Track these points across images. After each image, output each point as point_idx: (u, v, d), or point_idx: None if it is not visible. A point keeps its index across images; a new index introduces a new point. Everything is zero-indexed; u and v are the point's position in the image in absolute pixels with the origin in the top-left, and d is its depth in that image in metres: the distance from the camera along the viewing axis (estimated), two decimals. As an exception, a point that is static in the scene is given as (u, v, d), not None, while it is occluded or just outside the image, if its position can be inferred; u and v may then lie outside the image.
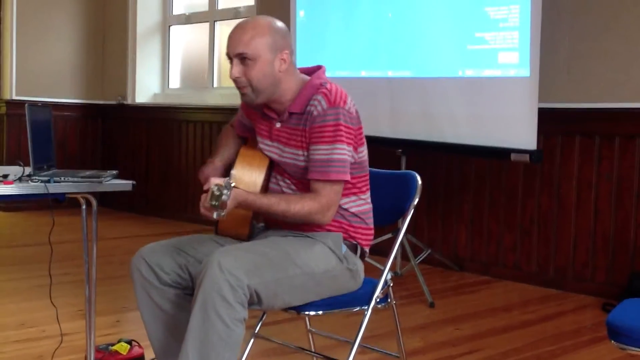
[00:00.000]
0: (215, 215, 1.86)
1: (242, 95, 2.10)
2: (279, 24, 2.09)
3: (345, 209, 2.11)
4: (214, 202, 1.84)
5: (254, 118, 2.23)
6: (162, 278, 2.05)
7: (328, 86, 2.07)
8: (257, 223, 2.21)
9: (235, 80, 2.07)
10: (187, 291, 2.07)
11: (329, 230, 2.10)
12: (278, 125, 2.12)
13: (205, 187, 1.98)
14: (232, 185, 1.86)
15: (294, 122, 2.08)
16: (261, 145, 2.16)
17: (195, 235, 2.20)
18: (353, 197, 2.12)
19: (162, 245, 2.10)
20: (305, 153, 2.06)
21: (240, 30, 2.04)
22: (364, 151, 2.12)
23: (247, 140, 2.30)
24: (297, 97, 2.08)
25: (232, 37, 2.05)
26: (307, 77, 2.12)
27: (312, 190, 2.03)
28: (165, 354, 2.11)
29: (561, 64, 4.17)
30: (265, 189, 2.15)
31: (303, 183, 2.10)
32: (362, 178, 2.14)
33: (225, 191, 1.83)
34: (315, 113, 2.02)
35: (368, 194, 2.18)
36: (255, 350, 2.50)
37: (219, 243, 2.12)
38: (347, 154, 2.03)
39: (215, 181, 1.87)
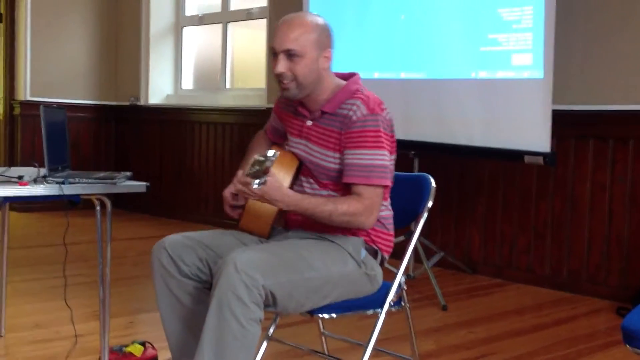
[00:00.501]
0: (255, 185, 1.85)
1: (285, 90, 2.11)
2: (324, 21, 2.14)
3: None
4: (256, 168, 1.84)
5: (285, 117, 2.25)
6: (182, 269, 2.06)
7: (366, 92, 2.11)
8: (277, 226, 2.21)
9: (280, 75, 2.08)
10: (206, 285, 2.08)
11: (352, 235, 2.10)
12: (309, 123, 2.15)
13: (225, 206, 2.06)
14: (277, 154, 1.86)
15: (325, 122, 2.10)
16: (290, 143, 2.18)
17: (218, 230, 2.20)
18: None
19: (185, 236, 2.11)
20: (337, 155, 2.07)
21: (288, 27, 2.06)
22: (394, 159, 2.15)
23: (275, 145, 2.30)
24: (333, 97, 2.11)
25: (280, 33, 2.07)
26: (343, 81, 2.16)
27: (354, 193, 2.04)
28: (181, 350, 2.11)
29: (575, 66, 4.15)
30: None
31: (326, 185, 2.11)
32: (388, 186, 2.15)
33: (270, 157, 1.83)
34: (354, 118, 2.04)
35: (389, 200, 2.19)
36: (269, 352, 2.50)
37: (240, 240, 2.12)
38: (387, 160, 2.06)
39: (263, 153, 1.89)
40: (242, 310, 1.82)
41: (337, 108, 2.09)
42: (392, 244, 2.20)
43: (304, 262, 1.98)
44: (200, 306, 2.05)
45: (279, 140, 2.32)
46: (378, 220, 2.13)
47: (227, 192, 2.16)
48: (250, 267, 1.85)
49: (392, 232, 2.19)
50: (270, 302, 1.90)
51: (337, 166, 2.08)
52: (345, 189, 2.09)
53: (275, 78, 2.11)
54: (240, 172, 1.96)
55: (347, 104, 2.07)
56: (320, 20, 2.12)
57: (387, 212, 2.18)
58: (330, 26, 2.16)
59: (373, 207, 2.04)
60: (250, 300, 1.83)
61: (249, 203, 2.11)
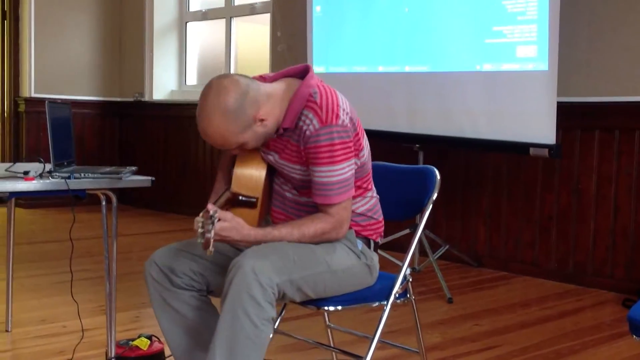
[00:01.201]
0: (206, 252, 1.84)
1: None
2: (231, 101, 1.91)
3: (352, 211, 2.09)
4: (199, 240, 1.83)
5: None
6: (174, 281, 2.04)
7: (318, 99, 1.96)
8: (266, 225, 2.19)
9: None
10: (202, 293, 2.07)
11: None
12: (274, 136, 2.06)
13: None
14: (217, 219, 1.83)
15: (288, 134, 2.03)
16: (264, 155, 2.11)
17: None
18: (358, 199, 2.10)
19: (171, 249, 2.08)
20: (303, 168, 2.03)
21: (210, 137, 1.96)
22: (365, 154, 2.08)
23: None
24: (287, 113, 2.00)
25: (206, 136, 1.98)
26: (294, 84, 2.02)
27: (321, 211, 2.02)
28: (184, 355, 2.09)
29: (580, 58, 4.14)
30: (269, 189, 2.14)
31: (305, 194, 2.08)
32: (365, 179, 2.12)
33: (209, 227, 1.81)
34: (307, 133, 1.96)
35: (373, 188, 2.16)
36: (275, 345, 2.51)
37: (232, 245, 2.09)
38: (346, 172, 1.98)
39: (205, 213, 1.85)
40: (256, 311, 1.82)
41: (295, 121, 1.99)
42: (382, 229, 2.18)
43: (313, 258, 1.98)
44: (199, 313, 2.04)
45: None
46: (363, 214, 2.12)
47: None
48: (265, 266, 1.84)
49: (380, 218, 2.17)
50: (280, 298, 1.91)
51: (301, 177, 2.04)
52: None
53: None
54: (209, 206, 1.90)
55: (303, 116, 1.98)
56: (226, 107, 1.90)
57: (373, 201, 2.14)
58: (242, 87, 1.93)
59: (342, 221, 2.02)
60: (264, 299, 1.82)
61: (232, 212, 2.06)
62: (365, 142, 2.09)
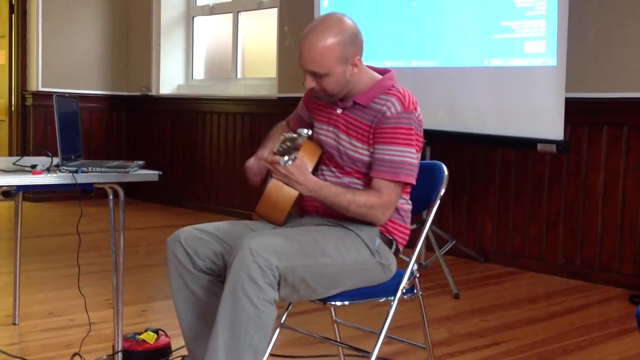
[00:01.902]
0: (283, 161, 1.87)
1: (317, 97, 2.14)
2: (348, 27, 2.05)
3: None
4: (287, 144, 1.85)
5: (314, 105, 2.24)
6: (197, 264, 2.07)
7: (401, 90, 2.10)
8: (294, 214, 2.20)
9: (310, 89, 2.09)
10: (220, 278, 2.09)
11: (368, 223, 2.10)
12: (339, 111, 2.15)
13: (249, 175, 2.09)
14: (309, 132, 1.88)
15: (357, 112, 2.10)
16: (317, 131, 2.18)
17: (231, 221, 2.20)
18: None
19: (199, 229, 2.11)
20: (365, 147, 2.08)
21: (310, 48, 2.02)
22: (419, 157, 2.15)
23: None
24: (367, 91, 2.10)
25: (302, 53, 2.04)
26: (377, 75, 2.15)
27: (374, 187, 2.04)
28: (195, 338, 2.12)
29: (588, 53, 4.12)
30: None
31: (350, 173, 2.11)
32: None
33: (303, 134, 1.85)
34: (388, 114, 2.04)
35: (409, 195, 2.19)
36: (281, 340, 2.51)
37: (255, 231, 2.11)
38: (415, 159, 2.07)
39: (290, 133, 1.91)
40: (256, 292, 1.83)
41: (370, 101, 2.09)
42: (407, 237, 2.20)
43: (318, 247, 1.98)
44: (214, 298, 2.05)
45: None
46: (397, 212, 2.14)
47: (251, 161, 2.19)
48: (264, 249, 1.86)
49: (409, 225, 2.20)
50: (281, 286, 1.90)
51: (364, 157, 2.09)
52: (367, 180, 2.09)
53: None
54: (262, 151, 1.96)
55: (382, 99, 2.07)
56: (343, 30, 2.03)
57: (407, 206, 2.19)
58: (356, 27, 2.09)
59: (391, 203, 2.05)
60: (264, 281, 1.84)
61: (268, 190, 2.11)
62: (421, 149, 2.15)
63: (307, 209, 2.18)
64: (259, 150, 2.24)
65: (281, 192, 2.07)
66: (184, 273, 2.08)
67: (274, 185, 2.09)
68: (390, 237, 2.15)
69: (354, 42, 2.06)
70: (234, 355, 1.86)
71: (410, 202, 2.20)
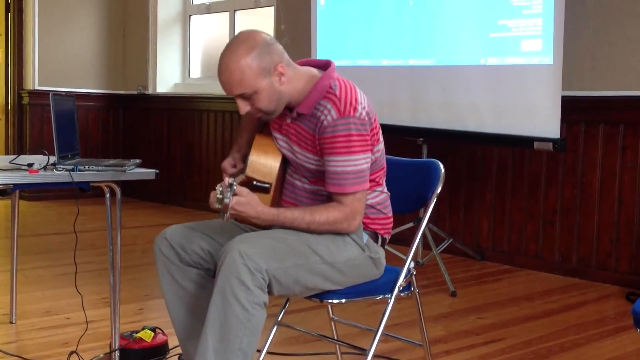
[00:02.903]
0: (220, 218, 1.89)
1: (259, 118, 2.11)
2: (257, 39, 1.97)
3: None
4: (217, 205, 1.86)
5: None
6: (183, 258, 2.08)
7: (337, 91, 1.99)
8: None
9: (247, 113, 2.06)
10: (209, 273, 2.09)
11: None
12: (288, 121, 2.09)
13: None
14: (235, 186, 1.86)
15: (304, 122, 2.05)
16: (275, 139, 2.15)
17: (220, 219, 2.20)
18: (369, 192, 2.10)
19: (185, 227, 2.11)
20: (316, 157, 2.04)
21: (225, 75, 1.97)
22: (380, 149, 2.10)
23: (266, 125, 2.28)
24: (306, 98, 2.02)
25: (223, 82, 1.99)
26: (316, 73, 2.05)
27: (334, 200, 2.01)
28: (188, 335, 2.13)
29: (585, 52, 4.13)
30: (282, 178, 2.15)
31: (314, 182, 2.09)
32: (377, 173, 2.13)
33: (227, 194, 1.85)
34: (325, 123, 1.98)
35: (384, 184, 2.17)
36: (278, 338, 2.51)
37: (242, 228, 2.13)
38: (362, 164, 1.99)
39: (223, 182, 1.89)
40: (246, 295, 1.83)
41: (311, 108, 2.02)
42: (390, 226, 2.19)
43: (309, 247, 1.97)
44: (204, 292, 2.06)
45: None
46: (373, 207, 2.12)
47: (226, 164, 2.20)
48: (253, 251, 1.85)
49: (389, 214, 2.17)
50: (274, 288, 1.90)
51: (317, 167, 2.05)
52: None
53: None
54: (212, 196, 1.93)
55: (320, 105, 2.00)
56: (252, 43, 1.96)
57: (383, 196, 2.15)
58: (267, 37, 2.00)
59: (355, 212, 2.01)
60: (253, 284, 1.83)
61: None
62: (380, 138, 2.10)
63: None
64: (233, 146, 2.25)
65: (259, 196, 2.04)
66: (172, 267, 2.08)
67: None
68: (374, 231, 2.14)
69: (269, 51, 1.97)
70: (224, 358, 1.86)
71: (386, 191, 2.16)
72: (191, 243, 2.08)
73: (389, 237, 2.19)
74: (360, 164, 1.99)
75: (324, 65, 2.08)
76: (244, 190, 1.93)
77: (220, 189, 1.86)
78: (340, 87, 2.00)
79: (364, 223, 2.11)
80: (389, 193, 2.18)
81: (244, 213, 1.93)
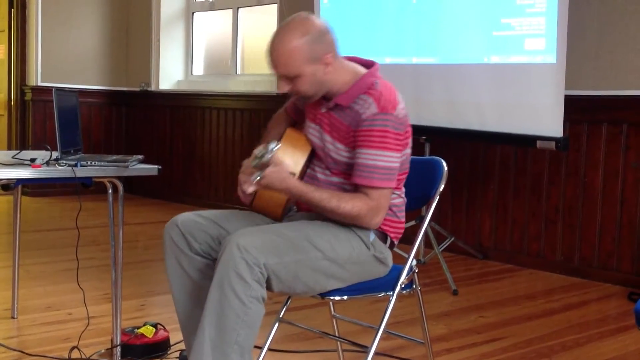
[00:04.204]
0: (254, 178, 1.88)
1: (297, 99, 2.14)
2: (314, 26, 2.01)
3: None
4: (255, 162, 1.87)
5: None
6: (193, 246, 2.07)
7: (379, 88, 2.03)
8: (292, 206, 2.21)
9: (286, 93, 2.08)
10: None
11: None
12: (323, 110, 2.13)
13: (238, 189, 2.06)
14: (277, 147, 1.88)
15: (339, 113, 2.08)
16: (306, 128, 2.17)
17: (232, 210, 2.20)
18: None
19: (197, 215, 2.11)
20: (347, 149, 2.06)
21: (275, 52, 2.01)
22: (407, 153, 2.12)
23: (297, 124, 2.29)
24: (348, 90, 2.06)
25: (270, 58, 2.03)
26: (361, 70, 2.09)
27: (361, 192, 2.02)
28: (191, 325, 2.12)
29: (588, 51, 4.12)
30: (304, 173, 2.15)
31: (338, 174, 2.10)
32: (400, 176, 2.13)
33: (270, 149, 1.86)
34: (364, 116, 2.01)
35: (403, 188, 2.18)
36: (280, 334, 2.51)
37: (252, 221, 2.12)
38: (393, 161, 2.01)
39: (264, 145, 1.91)
40: (243, 288, 1.83)
41: (350, 102, 2.05)
42: (402, 231, 2.19)
43: (309, 242, 1.97)
44: (209, 282, 2.05)
45: (299, 118, 2.29)
46: (389, 208, 2.12)
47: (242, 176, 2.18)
48: (252, 245, 1.85)
49: (403, 219, 2.18)
50: (273, 282, 1.90)
51: (345, 159, 2.07)
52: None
53: None
54: (245, 162, 1.97)
55: (360, 99, 2.04)
56: (308, 28, 2.00)
57: (399, 200, 2.16)
58: (326, 25, 2.04)
59: (379, 208, 2.02)
60: (251, 278, 1.83)
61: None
62: (410, 143, 2.12)
63: (301, 206, 2.18)
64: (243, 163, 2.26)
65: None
66: (180, 255, 2.08)
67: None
68: (385, 232, 2.15)
69: (322, 40, 2.01)
70: (220, 351, 1.86)
71: (403, 196, 2.18)
72: (202, 232, 2.07)
73: (397, 241, 2.19)
74: (392, 161, 2.01)
75: (368, 64, 2.13)
76: (279, 159, 1.96)
77: (260, 148, 1.88)
78: (382, 86, 2.05)
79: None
80: (405, 199, 2.19)
81: (275, 181, 1.94)
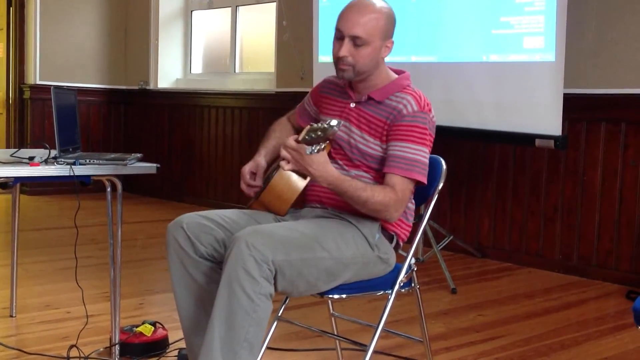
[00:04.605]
0: (310, 150, 1.87)
1: (341, 70, 2.11)
2: (391, 9, 2.12)
3: None
4: (318, 134, 1.83)
5: (325, 99, 2.25)
6: (198, 250, 2.06)
7: (417, 90, 2.13)
8: (295, 207, 2.21)
9: (340, 58, 2.07)
10: (220, 266, 2.07)
11: (369, 218, 2.10)
12: (352, 105, 2.16)
13: (242, 182, 2.09)
14: (342, 122, 1.86)
15: (371, 108, 2.12)
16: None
17: (234, 210, 2.20)
18: None
19: (202, 216, 2.10)
20: (378, 143, 2.09)
21: (359, 12, 2.06)
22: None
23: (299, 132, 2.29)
24: (383, 87, 2.12)
25: (350, 17, 2.06)
26: (394, 74, 2.17)
27: (388, 183, 2.04)
28: (194, 329, 2.11)
29: (587, 49, 4.12)
30: None
31: (358, 167, 2.12)
32: None
33: (334, 125, 1.83)
34: (404, 111, 2.06)
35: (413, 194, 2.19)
36: (279, 333, 2.51)
37: (256, 220, 2.12)
38: (427, 158, 2.09)
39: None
40: (252, 285, 1.83)
41: (385, 98, 2.11)
42: (408, 233, 2.22)
43: (316, 241, 1.97)
44: (214, 286, 2.04)
45: (306, 124, 2.30)
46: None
47: (247, 169, 2.19)
48: (260, 242, 1.85)
49: (411, 223, 2.21)
50: (278, 280, 1.89)
51: (375, 152, 2.10)
52: (377, 175, 2.10)
53: (334, 57, 2.11)
54: (290, 140, 1.95)
55: (397, 97, 2.09)
56: (388, 8, 2.11)
57: (411, 205, 2.20)
58: (394, 15, 2.14)
59: (404, 200, 2.06)
60: (260, 275, 1.84)
61: (275, 180, 2.12)
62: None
63: (310, 199, 2.18)
64: (256, 156, 2.25)
65: (288, 184, 2.10)
66: (185, 258, 2.07)
67: (280, 176, 2.11)
68: (392, 233, 2.15)
69: (393, 24, 2.12)
70: (230, 349, 1.86)
71: (414, 201, 2.21)
72: (207, 234, 2.06)
73: (403, 243, 2.20)
74: (427, 158, 2.09)
75: (400, 72, 2.20)
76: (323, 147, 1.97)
77: (321, 124, 1.85)
78: (416, 90, 2.14)
79: (385, 224, 2.12)
80: (414, 203, 2.22)
81: (315, 166, 1.93)
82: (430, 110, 2.11)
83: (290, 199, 2.13)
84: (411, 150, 2.05)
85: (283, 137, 2.25)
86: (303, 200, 2.21)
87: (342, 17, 2.08)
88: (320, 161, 1.94)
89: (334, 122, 1.86)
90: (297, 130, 2.31)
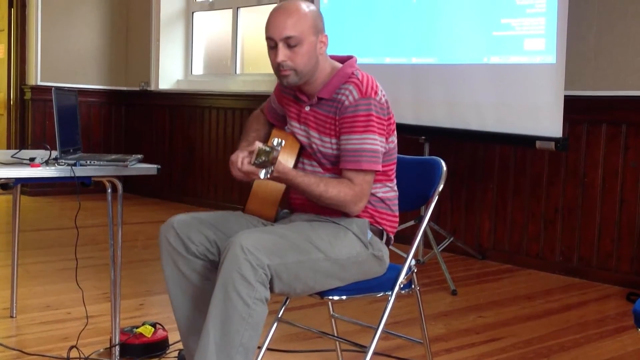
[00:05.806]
0: (263, 175, 1.88)
1: (284, 77, 2.09)
2: (316, 7, 2.14)
3: (372, 194, 2.12)
4: (262, 159, 1.85)
5: (286, 102, 2.25)
6: (190, 248, 2.07)
7: (359, 76, 2.08)
8: (282, 209, 2.22)
9: (280, 64, 2.06)
10: (214, 264, 2.08)
11: (356, 217, 2.10)
12: (307, 109, 2.15)
13: (233, 170, 2.05)
14: (282, 143, 1.87)
15: (323, 107, 2.11)
16: (292, 128, 2.18)
17: (227, 212, 2.20)
18: (379, 185, 2.13)
19: (193, 217, 2.11)
20: (335, 141, 2.08)
21: (285, 14, 2.05)
22: (394, 140, 2.14)
23: (275, 126, 2.30)
24: (328, 83, 2.10)
25: (276, 22, 2.05)
26: (339, 64, 2.15)
27: (346, 178, 2.04)
28: (189, 327, 2.12)
29: (588, 51, 4.12)
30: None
31: (329, 170, 2.11)
32: (390, 166, 2.15)
33: (276, 146, 1.85)
34: (346, 103, 2.05)
35: (395, 181, 2.19)
36: (278, 334, 2.51)
37: (248, 222, 2.13)
38: (378, 145, 2.05)
39: (270, 141, 1.90)
40: (248, 290, 1.83)
41: (332, 93, 2.09)
42: (396, 225, 2.20)
43: (311, 243, 1.98)
44: (208, 284, 2.05)
45: (276, 121, 2.31)
46: (382, 201, 2.14)
47: (233, 158, 2.17)
48: (256, 247, 1.85)
49: (396, 213, 2.19)
50: (275, 283, 1.90)
51: (333, 151, 2.09)
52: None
53: (273, 67, 2.09)
54: (238, 156, 1.97)
55: (342, 89, 2.08)
56: (312, 6, 2.11)
57: (392, 194, 2.18)
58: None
59: (363, 194, 2.04)
60: (255, 279, 1.84)
61: (255, 188, 2.14)
62: (395, 132, 2.14)
63: (294, 204, 2.19)
64: (240, 143, 2.27)
65: (268, 187, 2.10)
66: (177, 257, 2.07)
67: (258, 183, 2.12)
68: (380, 228, 2.15)
69: (322, 20, 2.12)
70: (225, 353, 1.86)
71: (396, 190, 2.19)
72: (198, 233, 2.07)
73: (393, 236, 2.20)
74: (377, 144, 2.04)
75: (346, 59, 2.16)
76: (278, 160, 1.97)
77: (263, 145, 1.87)
78: (361, 74, 2.10)
79: (372, 216, 2.12)
80: (397, 192, 2.20)
81: (281, 174, 1.96)
82: (376, 93, 2.06)
83: (275, 201, 2.13)
84: (356, 141, 2.03)
85: (261, 130, 2.30)
86: (289, 204, 2.21)
87: (269, 24, 2.07)
88: (277, 178, 1.96)
89: (275, 142, 1.87)
90: (270, 125, 2.32)
